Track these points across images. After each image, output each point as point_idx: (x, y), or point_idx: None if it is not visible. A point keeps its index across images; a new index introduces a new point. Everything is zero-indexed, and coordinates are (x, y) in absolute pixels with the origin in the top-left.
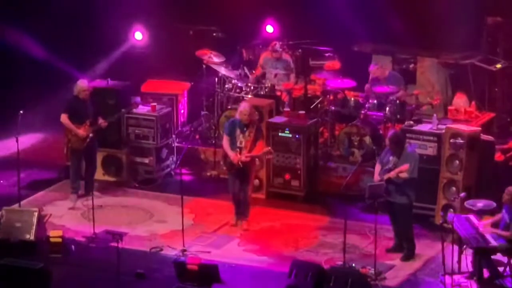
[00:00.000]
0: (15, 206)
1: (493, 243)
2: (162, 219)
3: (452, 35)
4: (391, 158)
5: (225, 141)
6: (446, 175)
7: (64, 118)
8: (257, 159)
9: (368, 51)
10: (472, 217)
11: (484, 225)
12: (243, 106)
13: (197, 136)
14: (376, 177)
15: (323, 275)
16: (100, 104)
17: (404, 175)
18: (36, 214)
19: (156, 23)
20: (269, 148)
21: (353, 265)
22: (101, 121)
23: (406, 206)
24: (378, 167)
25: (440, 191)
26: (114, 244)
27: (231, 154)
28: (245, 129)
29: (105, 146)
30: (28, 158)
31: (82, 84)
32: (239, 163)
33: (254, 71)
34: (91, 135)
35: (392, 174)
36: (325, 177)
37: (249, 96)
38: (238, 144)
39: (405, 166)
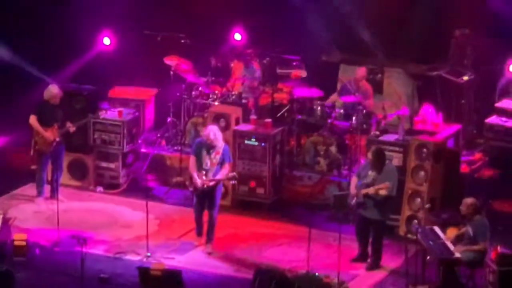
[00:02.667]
0: None
1: (457, 254)
2: (127, 224)
3: (420, 47)
4: (370, 172)
5: (192, 162)
6: (411, 186)
7: (32, 119)
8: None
9: (335, 61)
10: (436, 228)
11: (448, 236)
12: (207, 132)
13: (163, 142)
14: (353, 189)
15: (286, 283)
16: (68, 108)
17: (384, 192)
18: (0, 217)
19: (125, 28)
20: (234, 173)
21: (317, 274)
22: (69, 125)
23: (381, 222)
24: (355, 180)
25: (405, 202)
26: (78, 248)
27: (195, 177)
28: (211, 150)
29: (72, 151)
30: None
31: (53, 90)
32: (204, 186)
33: (227, 80)
34: (58, 139)
35: (371, 190)
36: (291, 186)
37: (216, 103)
38: (204, 166)
39: (386, 184)
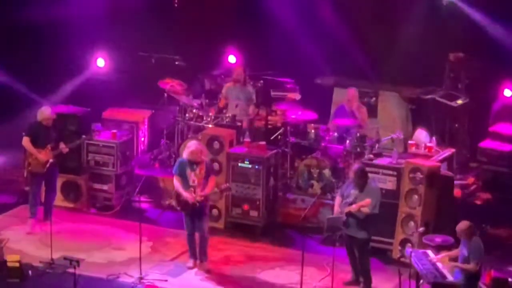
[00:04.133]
0: None
1: (450, 278)
2: (120, 246)
3: (414, 70)
4: (352, 191)
5: (177, 182)
6: (404, 209)
7: (26, 141)
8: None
9: (330, 84)
10: (429, 252)
11: (442, 259)
12: (195, 146)
13: (156, 165)
14: (337, 209)
15: None
16: (61, 129)
17: (365, 209)
18: None
19: (119, 50)
20: (228, 184)
21: None
22: (62, 146)
23: (365, 241)
24: (338, 199)
25: (399, 225)
26: (71, 270)
27: (186, 194)
28: (194, 166)
29: (65, 172)
30: None
31: (46, 112)
32: (196, 202)
33: (217, 102)
34: (51, 160)
35: (353, 208)
36: (284, 209)
37: (210, 125)
38: (191, 183)
39: (367, 201)
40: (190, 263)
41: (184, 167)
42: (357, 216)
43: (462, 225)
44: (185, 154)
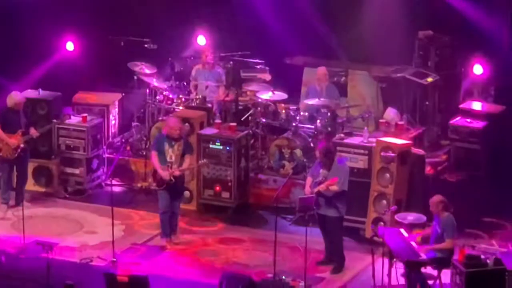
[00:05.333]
0: None
1: (423, 256)
2: (92, 230)
3: (383, 49)
4: (321, 170)
5: (154, 157)
6: (376, 188)
7: None
8: (189, 171)
9: (300, 64)
10: (402, 230)
11: (415, 240)
12: (173, 122)
13: (128, 147)
14: (307, 189)
15: (253, 287)
16: (31, 114)
17: (334, 188)
18: None
19: (88, 33)
20: (205, 160)
21: (283, 277)
22: (33, 131)
23: (336, 219)
24: (309, 180)
25: (371, 204)
26: (44, 255)
27: (161, 171)
28: (173, 143)
29: (36, 157)
30: None
31: (16, 97)
32: (171, 178)
33: (187, 85)
34: (22, 145)
35: (322, 187)
36: (256, 189)
37: (180, 107)
38: (168, 159)
39: (335, 179)
40: (163, 242)
41: (162, 143)
42: (326, 194)
43: (435, 198)
44: (164, 130)
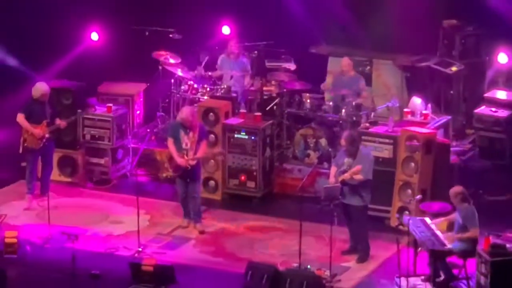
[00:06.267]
0: None
1: (448, 245)
2: (118, 220)
3: (408, 38)
4: (345, 159)
5: (170, 144)
6: (401, 177)
7: (20, 118)
8: (212, 160)
9: (324, 54)
10: (427, 219)
11: (440, 224)
12: (185, 113)
13: (153, 137)
14: (332, 179)
15: (278, 277)
16: (56, 104)
17: (358, 176)
18: None
19: (113, 23)
20: (221, 149)
21: (309, 267)
22: (59, 121)
23: (361, 208)
24: (333, 169)
25: (396, 194)
26: (69, 245)
27: (178, 158)
28: (188, 130)
29: (61, 147)
30: None
31: (42, 87)
32: (187, 165)
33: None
34: (47, 135)
35: (346, 176)
36: (281, 179)
37: (205, 97)
38: (184, 146)
39: (358, 167)
40: (184, 222)
41: (177, 130)
42: (351, 183)
43: (454, 189)
44: (178, 117)
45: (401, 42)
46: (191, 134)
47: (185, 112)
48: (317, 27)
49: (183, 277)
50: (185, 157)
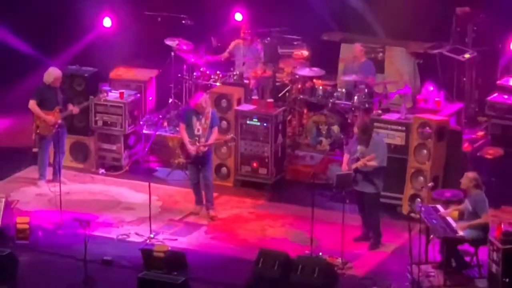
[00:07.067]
0: None
1: (460, 232)
2: (130, 206)
3: (421, 25)
4: (358, 147)
5: (182, 130)
6: (414, 164)
7: (32, 104)
8: (224, 147)
9: (337, 40)
10: (439, 207)
11: (451, 213)
12: (198, 98)
13: (165, 124)
14: (344, 166)
15: (290, 264)
16: (68, 90)
17: (372, 163)
18: (3, 200)
19: (125, 9)
20: (233, 135)
21: (320, 254)
22: (71, 107)
23: (374, 195)
24: (346, 157)
25: (408, 181)
26: (81, 230)
27: (189, 146)
28: (200, 116)
29: (73, 133)
30: None
31: (55, 73)
32: (198, 152)
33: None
34: (60, 121)
35: (360, 163)
36: (293, 166)
37: (218, 84)
38: (196, 132)
39: (372, 156)
40: (196, 209)
41: (190, 116)
42: (364, 171)
43: (470, 174)
44: (191, 103)
45: (414, 29)
46: (203, 120)
47: (197, 98)
48: (330, 13)
49: (194, 263)
50: (197, 143)
